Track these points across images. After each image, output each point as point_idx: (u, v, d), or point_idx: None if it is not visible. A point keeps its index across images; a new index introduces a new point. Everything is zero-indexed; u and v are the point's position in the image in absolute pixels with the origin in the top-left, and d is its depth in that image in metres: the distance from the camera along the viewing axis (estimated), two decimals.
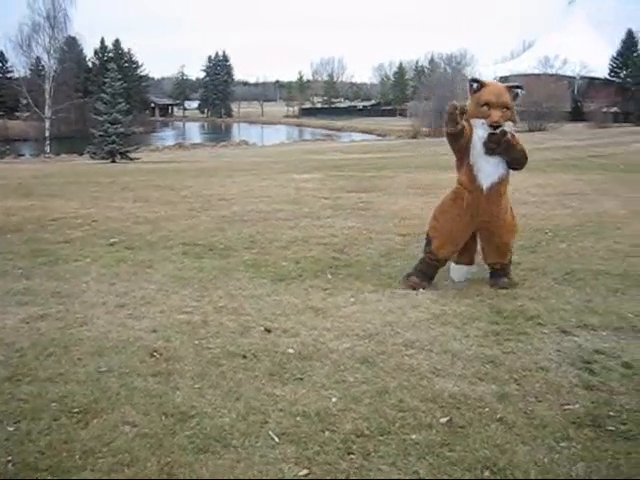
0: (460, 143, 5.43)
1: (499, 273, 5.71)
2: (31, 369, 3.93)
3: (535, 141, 32.22)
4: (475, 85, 5.39)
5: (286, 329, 4.62)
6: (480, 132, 5.34)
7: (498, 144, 5.32)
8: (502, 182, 5.52)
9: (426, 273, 5.70)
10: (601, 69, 79.83)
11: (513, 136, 5.43)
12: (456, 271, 5.89)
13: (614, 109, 66.98)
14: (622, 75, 79.62)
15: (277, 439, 3.15)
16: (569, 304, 5.11)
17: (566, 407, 3.44)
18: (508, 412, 3.39)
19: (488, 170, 5.43)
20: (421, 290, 5.52)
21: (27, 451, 3.04)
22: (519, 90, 5.41)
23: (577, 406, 3.45)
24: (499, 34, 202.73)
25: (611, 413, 3.37)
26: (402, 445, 3.09)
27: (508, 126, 5.34)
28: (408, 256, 6.61)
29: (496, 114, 5.23)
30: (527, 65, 78.57)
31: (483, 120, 5.29)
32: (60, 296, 5.45)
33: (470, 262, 5.90)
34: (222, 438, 3.16)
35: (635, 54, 79.45)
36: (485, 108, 5.27)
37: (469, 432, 3.20)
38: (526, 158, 5.64)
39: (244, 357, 4.12)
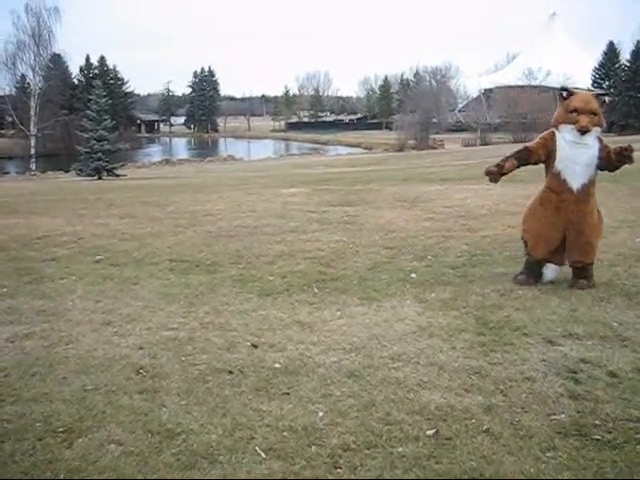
0: (533, 161, 5.96)
1: (580, 273, 5.89)
2: (15, 389, 3.90)
3: None
4: (565, 93, 5.81)
5: (273, 344, 4.61)
6: (568, 137, 5.72)
7: (630, 159, 5.72)
8: (592, 183, 5.82)
9: (531, 271, 6.02)
10: (584, 80, 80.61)
11: (601, 140, 5.78)
12: (546, 270, 6.05)
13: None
14: (605, 86, 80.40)
15: (264, 455, 3.14)
16: (554, 314, 5.13)
17: (552, 417, 3.45)
18: (494, 423, 3.40)
19: (578, 172, 5.76)
20: (407, 303, 5.53)
21: (11, 472, 3.01)
22: (606, 98, 5.84)
23: (563, 416, 3.46)
24: (483, 47, 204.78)
25: (597, 422, 3.38)
26: (389, 458, 3.09)
27: (596, 131, 5.69)
28: (394, 269, 6.62)
29: (584, 119, 5.60)
30: (511, 77, 79.41)
31: (572, 126, 5.66)
32: (45, 314, 5.42)
33: (560, 262, 6.04)
34: (209, 455, 3.14)
35: (617, 65, 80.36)
36: (574, 114, 5.64)
37: (456, 444, 3.20)
38: None
39: (230, 373, 4.11)
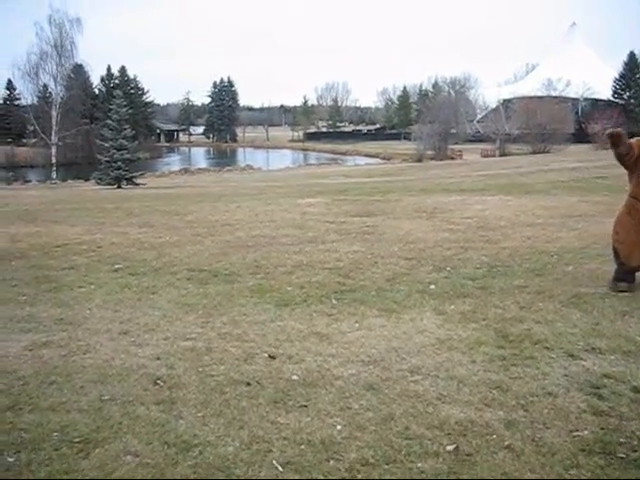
0: (626, 162, 5.95)
1: None
2: (33, 398, 3.90)
3: (539, 163, 32.26)
4: None
5: (290, 355, 4.58)
6: None
7: None
8: None
9: (628, 277, 6.06)
10: (604, 90, 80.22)
11: None
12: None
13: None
14: (625, 96, 79.97)
15: (281, 468, 3.10)
16: (576, 327, 5.05)
17: (575, 433, 3.38)
18: (516, 439, 3.33)
19: None
20: (427, 315, 5.47)
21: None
22: None
23: (586, 432, 3.39)
24: (502, 57, 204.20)
25: (621, 439, 3.30)
26: (408, 474, 3.03)
27: None
28: (413, 280, 6.57)
29: None
30: (530, 87, 79.07)
31: None
32: (64, 323, 5.43)
33: None
34: (225, 468, 3.11)
35: (638, 75, 79.80)
36: None
37: (476, 460, 3.14)
38: None
39: (248, 384, 4.08)
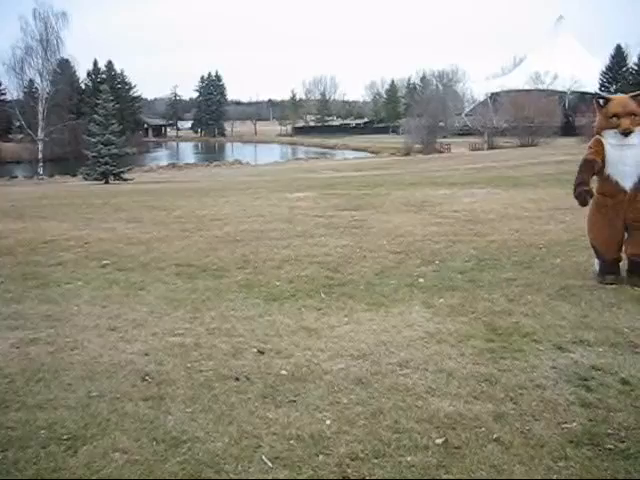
0: (597, 170, 6.00)
1: (636, 268, 5.96)
2: (20, 395, 3.87)
3: (527, 156, 32.38)
4: (601, 101, 6.02)
5: (279, 350, 4.57)
6: (612, 141, 5.88)
7: None
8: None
9: (612, 269, 6.10)
10: (591, 84, 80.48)
11: None
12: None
13: None
14: (612, 89, 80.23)
15: (270, 464, 3.09)
16: (564, 320, 5.07)
17: (563, 425, 3.39)
18: (504, 432, 3.34)
19: (628, 172, 5.91)
20: (415, 308, 5.48)
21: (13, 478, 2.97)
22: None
23: (574, 424, 3.40)
24: (490, 51, 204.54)
25: (609, 431, 3.32)
26: (398, 467, 3.03)
27: (639, 130, 5.77)
28: (402, 274, 6.57)
29: (626, 122, 5.77)
30: (518, 81, 79.29)
31: (614, 130, 5.84)
32: (51, 320, 5.39)
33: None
34: (214, 464, 3.10)
35: (624, 68, 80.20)
36: (614, 119, 5.82)
37: (465, 453, 3.15)
38: None
39: (237, 380, 4.06)
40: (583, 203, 6.06)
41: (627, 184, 5.87)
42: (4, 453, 3.20)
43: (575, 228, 8.75)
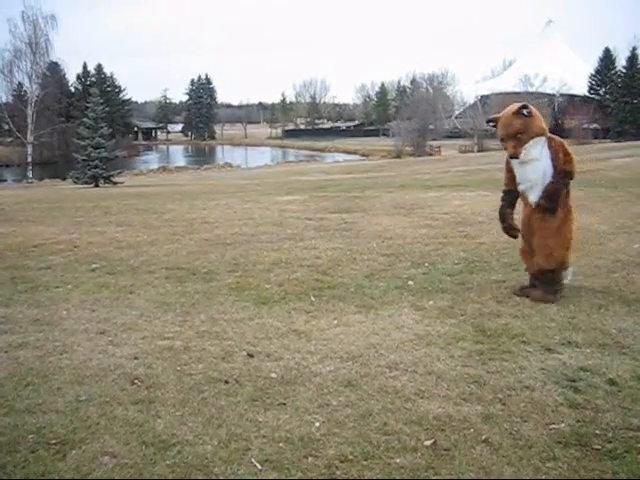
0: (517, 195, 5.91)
1: (537, 278, 5.80)
2: (8, 400, 3.85)
3: None
4: (492, 124, 5.87)
5: (269, 353, 4.57)
6: (513, 161, 5.72)
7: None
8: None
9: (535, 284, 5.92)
10: (580, 86, 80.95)
11: (552, 146, 5.60)
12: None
13: (594, 126, 67.87)
14: (601, 92, 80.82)
15: (260, 466, 3.10)
16: (553, 321, 5.10)
17: (551, 426, 3.41)
18: (493, 433, 3.36)
19: (532, 187, 5.69)
20: (405, 311, 5.50)
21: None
22: (524, 110, 5.52)
23: (562, 425, 3.42)
24: (480, 54, 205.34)
25: (597, 431, 3.34)
26: (387, 469, 3.04)
27: (537, 142, 5.53)
28: (392, 277, 6.59)
29: (509, 147, 5.59)
30: (508, 83, 79.58)
31: None
32: (40, 324, 5.37)
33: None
34: (204, 467, 3.10)
35: (613, 71, 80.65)
36: (503, 143, 5.67)
37: (454, 454, 3.16)
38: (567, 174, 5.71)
39: (226, 383, 4.06)
40: (514, 237, 6.06)
41: (533, 198, 5.68)
42: None
43: None
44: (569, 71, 79.76)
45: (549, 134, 5.64)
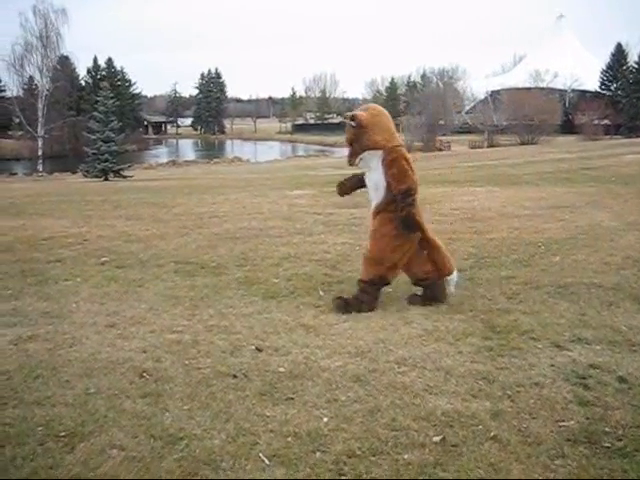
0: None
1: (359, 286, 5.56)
2: (17, 392, 3.86)
3: (527, 154, 32.37)
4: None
5: (277, 348, 4.56)
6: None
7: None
8: (387, 203, 5.40)
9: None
10: (592, 82, 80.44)
11: (384, 159, 5.32)
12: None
13: (605, 121, 67.46)
14: (613, 88, 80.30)
15: (267, 461, 3.09)
16: (563, 318, 5.07)
17: (561, 424, 3.39)
18: (502, 430, 3.34)
19: (371, 194, 5.55)
20: (414, 306, 5.48)
21: (11, 478, 2.97)
22: (352, 121, 5.33)
23: (572, 422, 3.40)
24: (490, 49, 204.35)
25: (607, 429, 3.32)
26: (395, 465, 3.03)
27: (372, 154, 5.33)
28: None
29: (347, 154, 5.54)
30: (518, 79, 79.24)
31: None
32: (49, 316, 5.39)
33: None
34: (211, 461, 3.10)
35: (624, 67, 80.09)
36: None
37: (462, 451, 3.15)
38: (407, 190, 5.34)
39: (234, 377, 4.06)
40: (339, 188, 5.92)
41: (372, 205, 5.55)
42: (1, 450, 3.20)
43: (574, 227, 8.77)
44: (580, 66, 79.32)
45: (391, 146, 5.34)
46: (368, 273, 5.53)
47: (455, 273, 5.70)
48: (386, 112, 5.59)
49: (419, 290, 5.71)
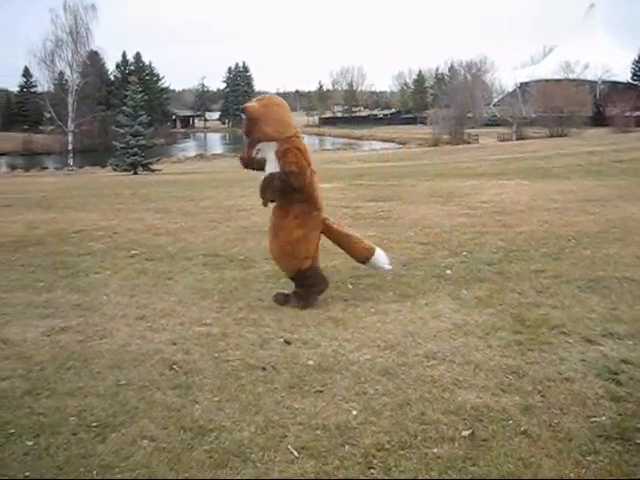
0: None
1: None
2: (50, 383, 3.93)
3: (556, 147, 31.98)
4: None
5: (306, 340, 4.58)
6: None
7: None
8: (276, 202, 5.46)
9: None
10: (623, 73, 79.14)
11: (278, 151, 5.28)
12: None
13: (637, 113, 66.24)
14: None
15: (296, 453, 3.10)
16: (594, 312, 5.00)
17: (592, 419, 3.35)
18: (532, 424, 3.31)
19: None
20: (443, 300, 5.45)
21: (45, 466, 3.02)
22: (242, 113, 5.36)
23: (604, 418, 3.36)
24: (519, 40, 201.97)
25: (639, 425, 3.27)
26: (424, 459, 3.03)
27: (269, 145, 5.31)
28: (429, 265, 6.54)
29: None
30: (548, 70, 78.18)
31: None
32: (80, 309, 5.46)
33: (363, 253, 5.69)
34: (241, 453, 3.12)
35: None
36: None
37: (492, 445, 3.13)
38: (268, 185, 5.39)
39: (263, 369, 4.08)
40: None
41: None
42: (36, 439, 3.25)
43: (605, 220, 8.65)
44: (611, 57, 78.10)
45: (285, 137, 5.28)
46: (288, 270, 5.53)
47: (378, 252, 5.63)
48: (282, 103, 5.53)
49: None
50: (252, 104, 5.36)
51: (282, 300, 5.46)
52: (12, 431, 3.33)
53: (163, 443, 3.21)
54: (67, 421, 3.44)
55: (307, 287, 5.49)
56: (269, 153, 5.36)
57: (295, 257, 5.45)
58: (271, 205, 5.57)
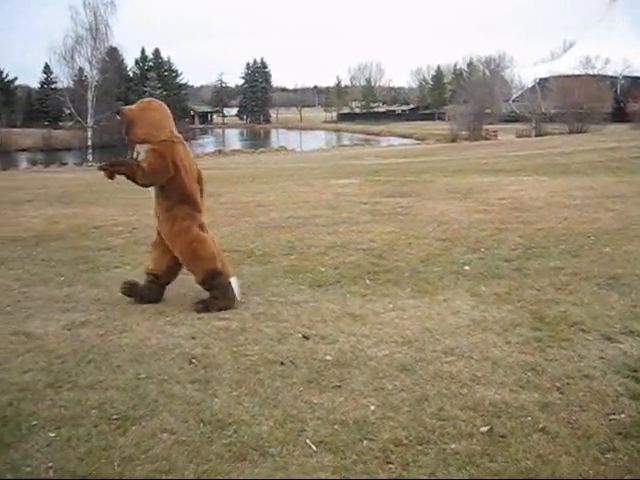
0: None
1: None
2: (72, 376, 3.98)
3: (576, 143, 31.71)
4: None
5: (324, 336, 4.59)
6: None
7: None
8: (164, 199, 5.46)
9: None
10: None
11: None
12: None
13: None
14: None
15: (315, 447, 3.12)
16: (613, 310, 4.98)
17: (611, 417, 3.34)
18: (551, 421, 3.31)
19: (154, 194, 5.56)
20: (461, 296, 5.44)
21: (67, 457, 3.06)
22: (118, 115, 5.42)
23: (623, 416, 3.35)
24: (539, 35, 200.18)
25: None
26: (442, 455, 3.03)
27: (143, 148, 5.33)
28: (447, 261, 6.53)
29: None
30: (568, 66, 77.34)
31: None
32: (100, 303, 5.52)
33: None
34: (259, 446, 3.14)
35: None
36: None
37: (510, 442, 3.13)
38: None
39: (282, 364, 4.10)
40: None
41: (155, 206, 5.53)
42: (58, 430, 3.30)
43: (625, 217, 8.58)
44: (633, 52, 77.19)
45: (158, 140, 5.30)
46: (198, 274, 5.42)
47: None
48: (160, 107, 5.58)
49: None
50: (128, 107, 5.48)
51: (201, 308, 5.28)
52: (35, 423, 3.39)
53: (183, 436, 3.24)
54: (88, 413, 3.49)
55: (212, 297, 5.34)
56: (143, 155, 5.39)
57: (201, 259, 5.38)
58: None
